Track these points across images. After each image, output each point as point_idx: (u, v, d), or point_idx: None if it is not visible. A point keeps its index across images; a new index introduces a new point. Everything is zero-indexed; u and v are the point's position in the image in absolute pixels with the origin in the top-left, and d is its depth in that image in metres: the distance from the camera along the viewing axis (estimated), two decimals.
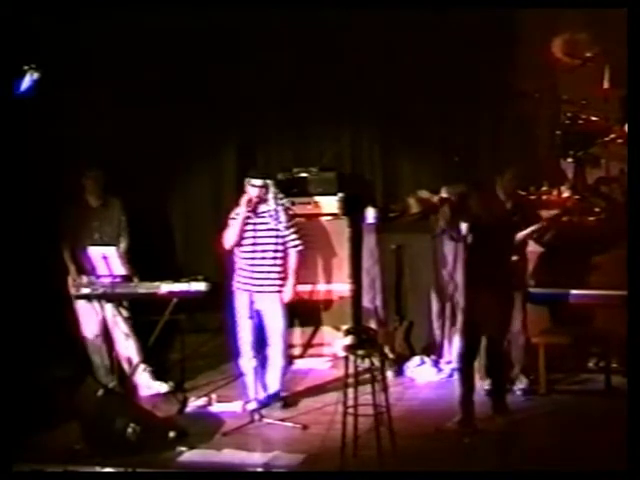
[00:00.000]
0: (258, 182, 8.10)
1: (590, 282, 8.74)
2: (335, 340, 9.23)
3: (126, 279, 8.57)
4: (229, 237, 8.16)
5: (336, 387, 7.82)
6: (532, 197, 9.37)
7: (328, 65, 9.99)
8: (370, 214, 9.75)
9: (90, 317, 8.94)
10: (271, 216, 8.10)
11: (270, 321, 8.17)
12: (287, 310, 8.26)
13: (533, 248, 8.61)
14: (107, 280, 8.49)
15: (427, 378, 9.04)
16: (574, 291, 8.61)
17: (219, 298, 8.57)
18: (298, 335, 9.60)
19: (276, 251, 8.13)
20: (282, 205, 8.18)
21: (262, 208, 8.12)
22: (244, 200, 8.07)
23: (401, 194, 10.18)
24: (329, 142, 10.39)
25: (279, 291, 8.16)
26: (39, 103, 7.72)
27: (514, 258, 8.05)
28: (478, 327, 7.66)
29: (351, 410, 7.12)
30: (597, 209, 9.40)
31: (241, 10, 9.58)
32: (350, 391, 7.10)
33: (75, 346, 8.93)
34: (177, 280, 8.39)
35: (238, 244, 8.15)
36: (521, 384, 8.38)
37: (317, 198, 9.76)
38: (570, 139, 9.74)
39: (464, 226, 7.79)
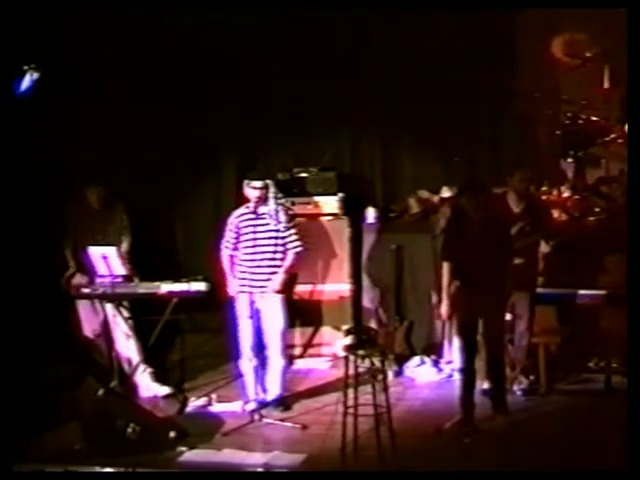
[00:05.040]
0: (258, 183, 8.10)
1: (592, 282, 8.74)
2: (335, 340, 9.23)
3: (126, 279, 8.57)
4: (224, 260, 8.22)
5: (336, 387, 7.82)
6: (543, 197, 9.39)
7: (328, 65, 9.98)
8: (370, 214, 9.76)
9: (91, 317, 8.95)
10: (271, 217, 8.10)
11: (270, 321, 8.16)
12: (287, 310, 8.25)
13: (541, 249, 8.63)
14: (107, 280, 8.49)
15: (427, 378, 9.04)
16: (576, 291, 8.61)
17: (219, 298, 8.56)
18: (298, 335, 9.60)
19: (275, 252, 8.12)
20: (281, 205, 8.18)
21: (262, 209, 8.12)
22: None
23: (401, 194, 10.18)
24: (329, 142, 10.40)
25: (279, 291, 8.15)
26: (40, 103, 7.73)
27: (520, 260, 8.07)
28: (473, 327, 7.67)
29: (351, 410, 7.12)
30: (597, 209, 9.41)
31: (240, 11, 9.57)
32: (350, 391, 7.11)
33: (75, 346, 8.93)
34: (177, 280, 8.40)
35: (237, 248, 8.17)
36: (521, 384, 8.38)
37: (317, 198, 9.76)
38: (570, 139, 9.76)
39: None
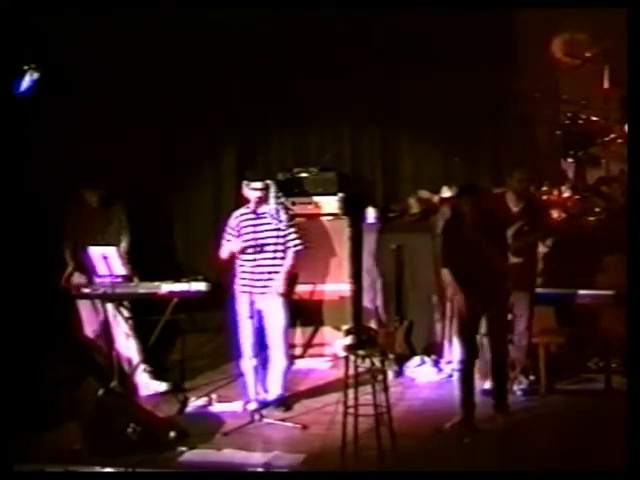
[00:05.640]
0: (258, 184, 8.10)
1: (592, 282, 8.75)
2: (335, 340, 9.23)
3: (126, 279, 8.57)
4: (224, 253, 8.21)
5: (336, 387, 7.82)
6: (544, 197, 9.39)
7: (328, 65, 9.99)
8: (370, 214, 9.76)
9: (91, 317, 8.95)
10: (271, 216, 8.10)
11: (271, 321, 8.16)
12: (289, 310, 8.25)
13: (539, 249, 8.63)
14: (107, 280, 8.49)
15: (427, 378, 9.04)
16: (576, 291, 8.62)
17: (219, 298, 8.56)
18: (298, 335, 9.59)
19: (276, 251, 8.12)
20: (282, 204, 8.18)
21: (262, 208, 8.12)
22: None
23: (401, 194, 10.19)
24: (329, 142, 10.39)
25: (284, 293, 8.15)
26: (40, 103, 7.73)
27: (518, 260, 8.08)
28: (473, 328, 7.68)
29: (351, 410, 7.12)
30: (597, 209, 9.41)
31: (239, 10, 9.57)
32: (350, 391, 7.11)
33: (75, 346, 8.93)
34: (177, 280, 8.40)
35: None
36: (521, 384, 8.38)
37: (317, 198, 9.76)
38: (570, 139, 9.76)
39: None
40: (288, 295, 8.26)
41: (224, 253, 8.21)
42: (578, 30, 9.79)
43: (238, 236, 8.17)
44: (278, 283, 8.09)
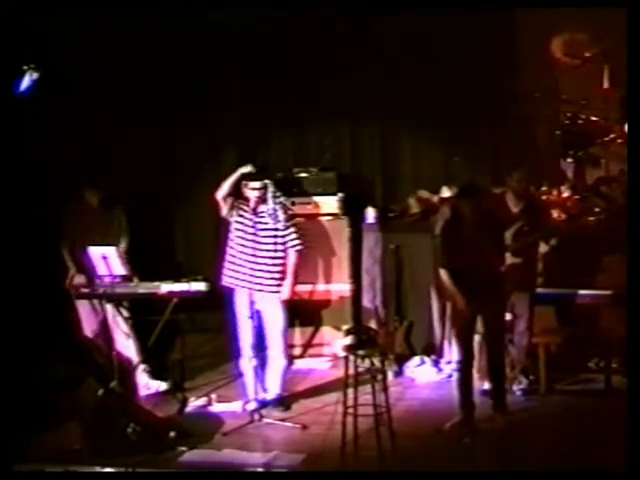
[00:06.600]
0: (257, 184, 8.10)
1: (592, 282, 8.75)
2: (335, 340, 9.23)
3: (126, 279, 8.57)
4: (222, 187, 8.17)
5: (336, 387, 7.82)
6: (543, 197, 9.39)
7: (328, 65, 9.99)
8: (370, 214, 9.76)
9: (91, 317, 8.95)
10: (270, 215, 8.10)
11: (270, 321, 8.17)
12: (287, 310, 8.25)
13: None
14: (107, 280, 8.49)
15: (427, 378, 9.04)
16: (576, 291, 8.62)
17: (219, 298, 8.56)
18: (298, 335, 9.60)
19: (276, 251, 8.12)
20: (280, 204, 8.17)
21: (261, 208, 8.12)
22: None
23: (401, 194, 10.19)
24: (329, 142, 10.39)
25: (279, 291, 8.15)
26: (40, 103, 7.74)
27: (518, 260, 8.08)
28: (472, 328, 7.68)
29: (351, 410, 7.12)
30: (597, 209, 9.41)
31: (239, 10, 9.57)
32: (350, 391, 7.10)
33: (75, 346, 8.93)
34: (177, 280, 8.39)
35: (238, 245, 8.16)
36: (521, 384, 8.39)
37: (317, 198, 9.76)
38: (570, 139, 9.76)
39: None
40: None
41: (221, 188, 8.16)
42: (578, 30, 9.79)
43: (234, 235, 8.17)
44: (285, 288, 8.11)
